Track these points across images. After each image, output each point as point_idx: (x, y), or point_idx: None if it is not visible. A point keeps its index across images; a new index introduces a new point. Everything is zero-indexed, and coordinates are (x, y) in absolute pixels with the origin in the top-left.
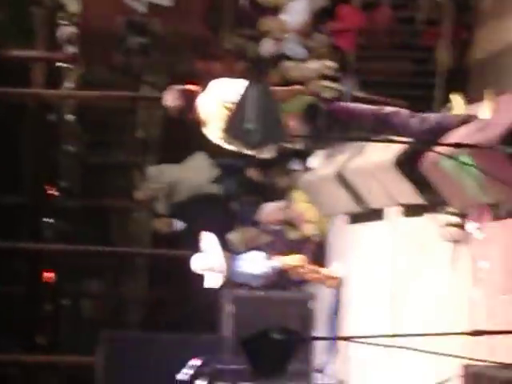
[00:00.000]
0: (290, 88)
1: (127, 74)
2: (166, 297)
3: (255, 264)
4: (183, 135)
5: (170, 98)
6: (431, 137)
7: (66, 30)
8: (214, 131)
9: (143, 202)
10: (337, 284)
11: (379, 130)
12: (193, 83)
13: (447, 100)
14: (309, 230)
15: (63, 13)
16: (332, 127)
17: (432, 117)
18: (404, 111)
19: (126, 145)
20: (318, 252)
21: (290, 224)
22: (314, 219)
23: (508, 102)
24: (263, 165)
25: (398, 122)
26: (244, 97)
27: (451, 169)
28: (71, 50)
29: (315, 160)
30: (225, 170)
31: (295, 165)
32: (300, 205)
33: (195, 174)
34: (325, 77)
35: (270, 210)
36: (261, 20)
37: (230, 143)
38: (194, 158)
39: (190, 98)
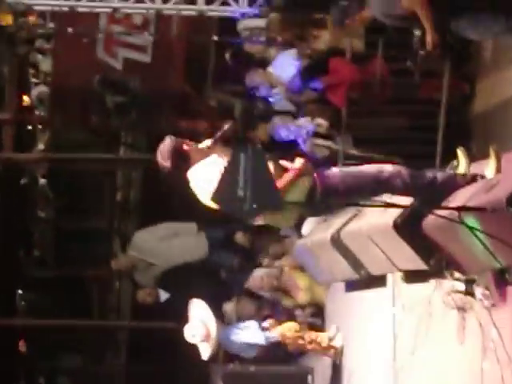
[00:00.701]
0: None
1: (104, 135)
2: (149, 373)
3: (250, 334)
4: (165, 198)
5: (162, 157)
6: (435, 197)
7: (38, 90)
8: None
9: (120, 271)
10: (336, 354)
11: (380, 193)
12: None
13: (448, 156)
14: (302, 298)
15: (34, 71)
16: (328, 197)
17: (435, 176)
18: (405, 171)
19: (104, 209)
20: (314, 321)
21: (284, 291)
22: (307, 287)
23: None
24: (253, 230)
25: (400, 184)
26: (233, 161)
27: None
28: (43, 110)
29: (308, 225)
30: (211, 235)
31: (287, 231)
32: (292, 272)
33: (179, 249)
34: (317, 135)
35: (261, 276)
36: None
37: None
38: (174, 228)
39: (182, 159)
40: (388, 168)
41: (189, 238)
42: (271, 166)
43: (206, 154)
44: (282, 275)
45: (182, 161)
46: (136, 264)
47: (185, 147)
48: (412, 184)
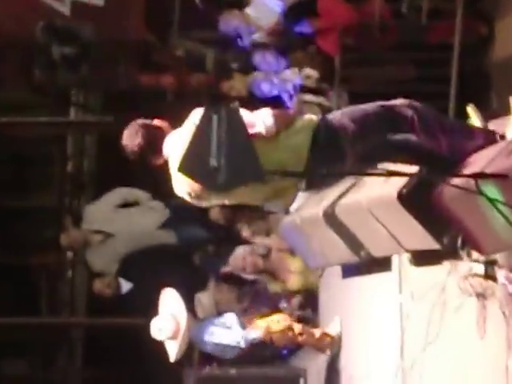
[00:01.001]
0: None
1: (50, 94)
2: (109, 379)
3: (227, 333)
4: (126, 169)
5: (129, 135)
6: (448, 162)
7: None
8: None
9: (70, 248)
10: (333, 344)
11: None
12: (161, 118)
13: (464, 114)
14: (294, 282)
15: None
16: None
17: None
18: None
19: (52, 183)
20: (304, 313)
21: (271, 274)
22: (300, 270)
23: None
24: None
25: (411, 114)
26: (205, 124)
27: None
28: None
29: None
30: (178, 211)
31: (272, 205)
32: (282, 253)
33: (139, 216)
34: (306, 89)
35: (243, 255)
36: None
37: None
38: (131, 194)
39: (155, 137)
40: (399, 101)
41: (145, 205)
42: None
43: None
44: (269, 255)
45: (155, 138)
46: (90, 239)
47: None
48: (425, 118)
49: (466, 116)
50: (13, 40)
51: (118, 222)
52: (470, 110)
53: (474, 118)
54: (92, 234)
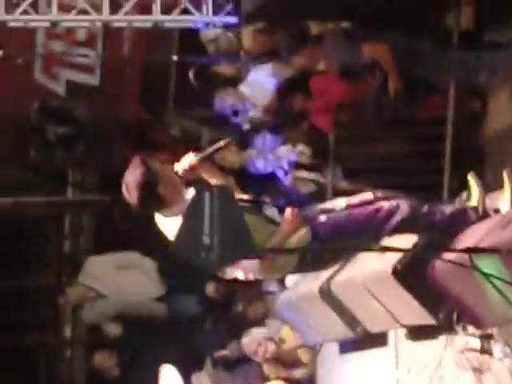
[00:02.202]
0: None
1: (46, 173)
2: None
3: None
4: (121, 247)
5: (131, 185)
6: (442, 237)
7: None
8: None
9: (67, 304)
10: None
11: (378, 236)
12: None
13: (458, 187)
14: (301, 374)
15: None
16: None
17: (443, 210)
18: (405, 206)
19: (49, 263)
20: None
21: (282, 363)
22: (308, 360)
23: None
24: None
25: (399, 222)
26: (198, 202)
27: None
28: None
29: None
30: (174, 285)
31: (270, 285)
32: (289, 340)
33: (136, 283)
34: (300, 166)
35: (260, 340)
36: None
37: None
38: (137, 258)
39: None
40: (384, 205)
41: (146, 273)
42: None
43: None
44: (281, 343)
45: (154, 197)
46: (86, 296)
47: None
48: (414, 220)
49: (462, 188)
50: (8, 120)
51: (113, 283)
52: (471, 178)
53: (474, 187)
54: (87, 290)
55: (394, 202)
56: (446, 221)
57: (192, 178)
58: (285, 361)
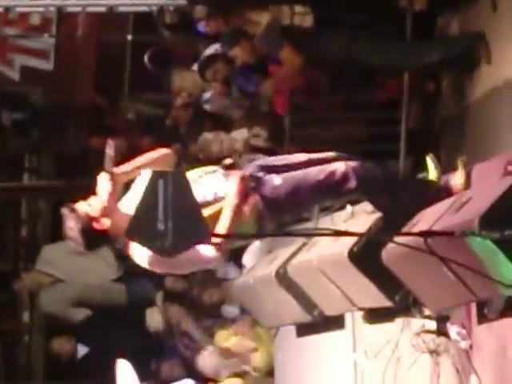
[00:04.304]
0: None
1: (1, 160)
2: None
3: None
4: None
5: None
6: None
7: None
8: None
9: (22, 290)
10: None
11: (333, 199)
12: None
13: (413, 171)
14: (257, 359)
15: None
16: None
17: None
18: (359, 167)
19: (6, 249)
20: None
21: (239, 358)
22: (260, 345)
23: (483, 172)
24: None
25: (354, 184)
26: (152, 188)
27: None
28: None
29: (250, 256)
30: (131, 269)
31: (225, 271)
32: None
33: (92, 266)
34: (255, 149)
35: (213, 364)
36: (172, 77)
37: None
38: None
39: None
40: (339, 167)
41: (102, 257)
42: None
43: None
44: (232, 351)
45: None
46: (42, 281)
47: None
48: (369, 183)
49: (417, 171)
50: None
51: (70, 268)
52: (429, 159)
53: (432, 169)
54: (43, 276)
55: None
56: (402, 187)
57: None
58: (240, 357)
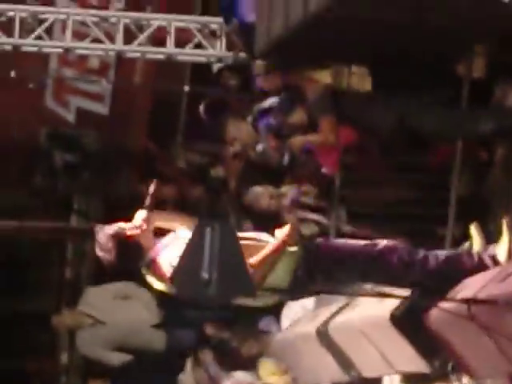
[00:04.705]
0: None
1: (51, 200)
2: None
3: None
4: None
5: (102, 247)
6: (437, 282)
7: None
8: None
9: (61, 327)
10: None
11: (372, 271)
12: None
13: (460, 238)
14: None
15: None
16: (315, 273)
17: (439, 256)
18: (403, 247)
19: (50, 289)
20: None
21: None
22: None
23: None
24: (226, 321)
25: (394, 260)
26: (198, 237)
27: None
28: None
29: (291, 314)
30: (171, 317)
31: (267, 324)
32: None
33: (134, 311)
34: (304, 206)
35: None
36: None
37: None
38: (132, 288)
39: (126, 244)
40: (382, 242)
41: (143, 303)
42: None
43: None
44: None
45: (130, 249)
46: (82, 322)
47: (128, 232)
48: (409, 263)
49: (465, 239)
50: (17, 144)
51: (112, 311)
52: (474, 229)
53: (476, 237)
54: (84, 317)
55: (392, 241)
56: (441, 266)
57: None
58: None
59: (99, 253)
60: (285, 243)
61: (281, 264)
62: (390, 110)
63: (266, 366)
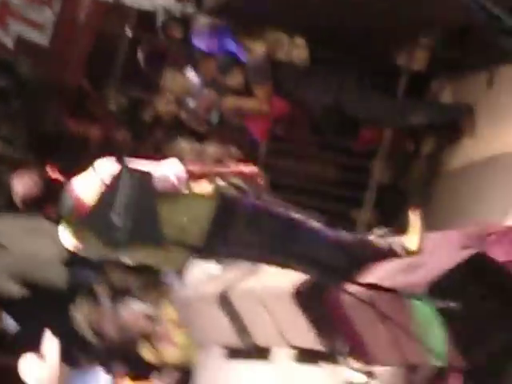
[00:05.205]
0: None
1: None
2: None
3: None
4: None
5: (25, 184)
6: (345, 263)
7: None
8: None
9: None
10: None
11: (284, 239)
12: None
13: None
14: (173, 355)
15: None
16: (228, 229)
17: (352, 237)
18: (317, 223)
19: None
20: None
21: (148, 340)
22: (184, 345)
23: (442, 240)
24: (126, 268)
25: (307, 232)
26: (117, 180)
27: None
28: None
29: (195, 269)
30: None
31: (170, 277)
32: (170, 323)
33: (42, 243)
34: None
35: (139, 315)
36: (162, 75)
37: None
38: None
39: (51, 187)
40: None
41: (53, 239)
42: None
43: None
44: (157, 320)
45: (51, 191)
46: None
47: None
48: (321, 237)
49: (375, 224)
50: None
51: (19, 240)
52: (413, 215)
53: (413, 226)
54: None
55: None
56: (351, 247)
57: None
58: (152, 338)
59: (17, 186)
60: (243, 174)
61: (196, 206)
62: (326, 89)
63: (168, 311)
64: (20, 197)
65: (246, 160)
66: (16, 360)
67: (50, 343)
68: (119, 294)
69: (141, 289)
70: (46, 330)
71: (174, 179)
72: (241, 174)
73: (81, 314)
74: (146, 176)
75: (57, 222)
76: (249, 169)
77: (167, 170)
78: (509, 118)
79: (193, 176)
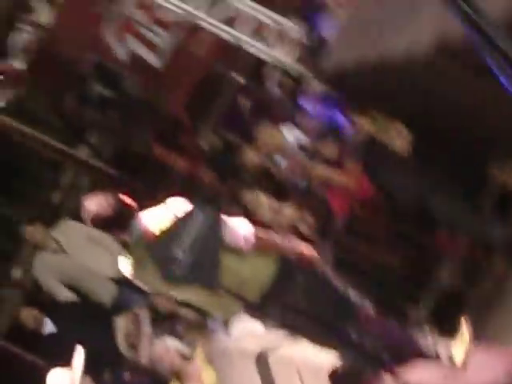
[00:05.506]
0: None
1: (72, 124)
2: None
3: None
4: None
5: (99, 204)
6: (388, 354)
7: (24, 38)
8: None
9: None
10: None
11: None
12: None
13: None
14: None
15: (28, 17)
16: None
17: (397, 332)
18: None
19: (33, 204)
20: None
21: (177, 376)
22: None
23: (486, 357)
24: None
25: (358, 314)
26: (186, 217)
27: None
28: (18, 64)
29: (239, 326)
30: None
31: (215, 325)
32: (202, 362)
33: (99, 255)
34: (296, 233)
35: (167, 348)
36: (259, 127)
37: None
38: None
39: (123, 212)
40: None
41: (111, 253)
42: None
43: None
44: (190, 359)
45: (123, 216)
46: (49, 244)
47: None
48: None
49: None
50: (63, 60)
51: (80, 249)
52: (464, 322)
53: (463, 332)
54: (52, 241)
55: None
56: (398, 341)
57: None
58: (182, 376)
59: (90, 205)
60: (302, 255)
61: (260, 264)
62: (418, 184)
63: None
64: (91, 215)
65: (311, 236)
66: (47, 363)
67: (79, 358)
68: (161, 321)
69: (184, 325)
70: (81, 339)
71: (241, 238)
72: (300, 255)
73: (121, 330)
74: (219, 221)
75: (121, 243)
76: (309, 252)
77: (238, 227)
78: None
79: (259, 242)
